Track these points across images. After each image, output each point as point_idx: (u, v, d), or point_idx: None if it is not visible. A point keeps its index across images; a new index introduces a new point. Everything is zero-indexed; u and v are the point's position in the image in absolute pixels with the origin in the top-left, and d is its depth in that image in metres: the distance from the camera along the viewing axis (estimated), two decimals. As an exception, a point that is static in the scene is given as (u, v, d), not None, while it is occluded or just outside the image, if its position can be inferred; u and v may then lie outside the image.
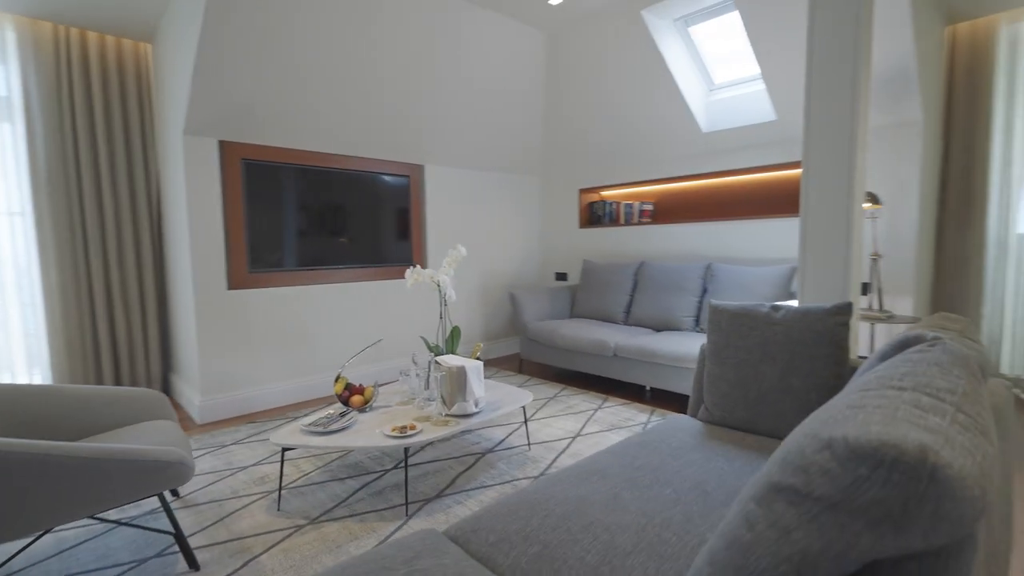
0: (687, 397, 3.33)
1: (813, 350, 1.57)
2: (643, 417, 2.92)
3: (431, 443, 2.55)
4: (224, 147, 3.01)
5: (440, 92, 3.43)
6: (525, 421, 2.43)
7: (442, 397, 2.19)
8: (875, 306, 3.02)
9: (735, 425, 1.71)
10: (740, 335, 1.73)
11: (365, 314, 3.68)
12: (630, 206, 4.36)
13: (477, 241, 4.43)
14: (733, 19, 3.06)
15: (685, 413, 2.98)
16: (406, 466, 1.92)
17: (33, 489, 1.26)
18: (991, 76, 3.16)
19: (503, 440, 2.62)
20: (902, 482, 0.50)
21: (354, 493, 2.08)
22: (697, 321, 3.51)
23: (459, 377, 2.14)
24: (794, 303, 2.52)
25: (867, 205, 2.81)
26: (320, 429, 1.99)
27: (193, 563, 1.59)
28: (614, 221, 4.48)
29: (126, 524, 1.59)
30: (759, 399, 1.65)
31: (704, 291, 3.54)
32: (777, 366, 1.63)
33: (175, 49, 2.87)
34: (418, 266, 2.98)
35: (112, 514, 1.93)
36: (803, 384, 1.57)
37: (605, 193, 4.64)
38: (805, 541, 0.58)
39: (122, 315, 3.36)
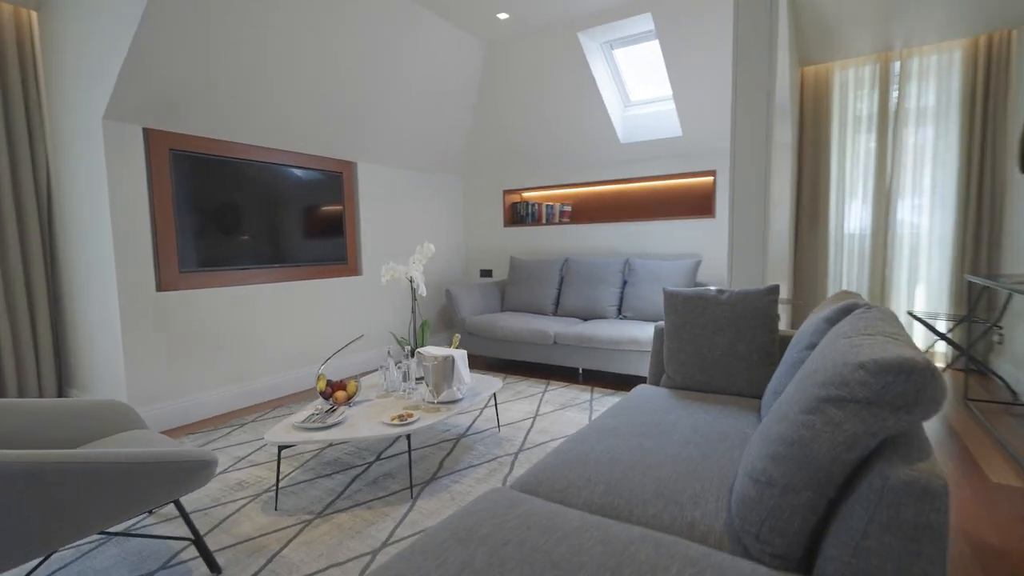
0: (617, 375, 3.77)
1: (753, 322, 2.01)
2: (586, 396, 3.28)
3: (431, 427, 2.63)
4: (150, 136, 2.76)
5: (376, 90, 3.44)
6: (495, 405, 2.62)
7: (429, 385, 2.31)
8: (759, 291, 3.72)
9: (695, 387, 2.10)
10: (694, 314, 2.13)
11: (303, 314, 3.57)
12: (551, 207, 4.73)
13: (407, 240, 4.48)
14: (652, 47, 3.54)
15: (617, 390, 3.41)
16: (409, 452, 2.02)
17: (82, 497, 1.20)
18: (829, 109, 4.05)
19: (471, 425, 2.79)
20: (918, 381, 0.83)
21: (348, 485, 2.12)
22: (619, 310, 3.98)
23: (446, 366, 2.28)
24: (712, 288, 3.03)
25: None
26: (317, 425, 2.00)
27: (214, 566, 1.56)
28: (536, 221, 4.82)
29: (131, 535, 1.51)
30: (713, 364, 2.05)
31: (624, 283, 4.02)
32: (726, 337, 2.04)
33: (86, 24, 2.56)
34: (391, 263, 2.99)
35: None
36: (747, 348, 2.00)
37: (527, 194, 4.96)
38: (852, 429, 0.89)
39: (4, 322, 2.89)
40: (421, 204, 4.64)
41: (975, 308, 3.39)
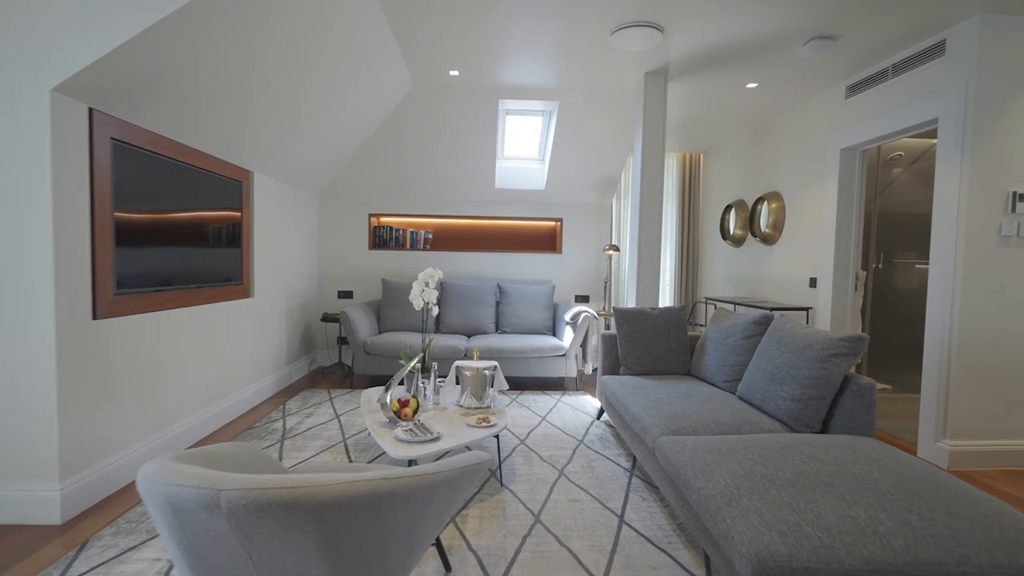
0: (534, 378, 4.52)
1: (674, 327, 3.23)
2: (522, 397, 3.97)
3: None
4: (94, 119, 2.14)
5: (287, 95, 3.23)
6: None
7: (466, 394, 2.69)
8: (613, 304, 5.15)
9: (648, 373, 3.17)
10: (639, 324, 3.22)
11: (214, 341, 3.08)
12: (415, 233, 5.15)
13: (284, 259, 4.17)
14: (534, 120, 4.56)
15: (543, 391, 4.23)
16: (498, 449, 2.42)
17: (435, 509, 1.37)
18: (697, 179, 5.88)
19: (455, 431, 3.15)
20: (863, 344, 2.10)
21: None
22: (497, 326, 4.78)
23: (482, 377, 2.72)
24: (595, 308, 4.22)
25: (613, 252, 4.86)
26: (420, 437, 2.19)
27: (447, 565, 1.73)
28: (400, 246, 5.15)
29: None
30: (657, 356, 3.18)
31: (498, 303, 4.85)
32: (662, 338, 3.21)
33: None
34: (425, 287, 2.95)
35: None
36: (676, 345, 3.20)
37: (385, 219, 5.21)
38: (844, 364, 2.11)
39: None
40: (295, 223, 4.37)
41: (693, 313, 5.65)
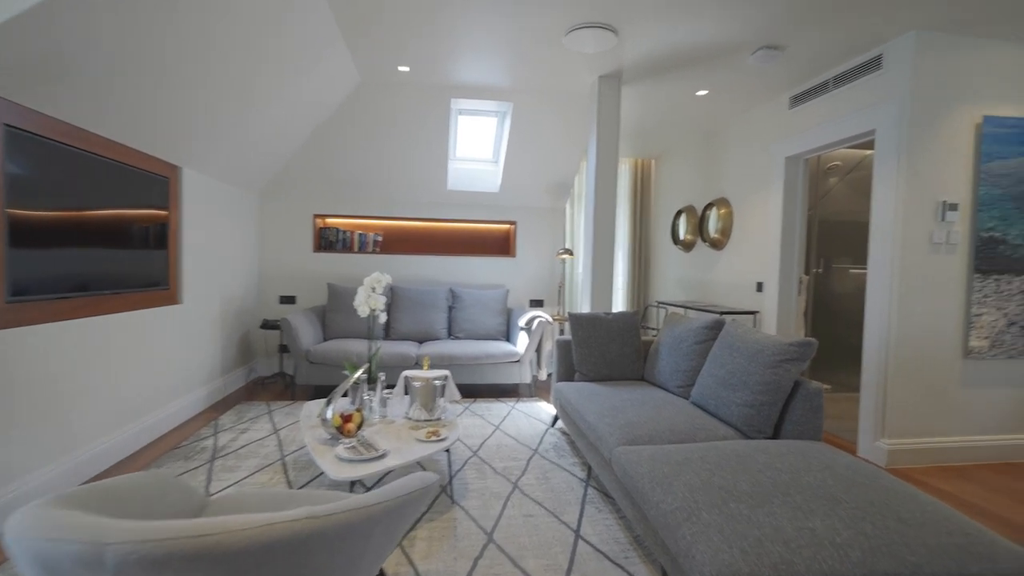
0: (488, 385, 4.39)
1: (628, 332, 3.21)
2: (475, 407, 3.84)
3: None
4: (-19, 105, 1.87)
5: (222, 91, 2.99)
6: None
7: (415, 405, 2.55)
8: (573, 309, 5.10)
9: (603, 378, 3.13)
10: (594, 330, 3.18)
11: (131, 354, 2.79)
12: (364, 235, 4.94)
13: (219, 262, 3.87)
14: (488, 121, 4.46)
15: (496, 398, 4.13)
16: (449, 463, 2.29)
17: (377, 543, 1.24)
18: (649, 184, 5.87)
19: (405, 444, 2.99)
20: (812, 349, 2.13)
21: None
22: (450, 331, 4.64)
23: (431, 388, 2.59)
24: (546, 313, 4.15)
25: (567, 256, 4.82)
26: (364, 455, 2.03)
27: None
28: (348, 248, 4.92)
29: None
30: (612, 361, 3.15)
31: (450, 308, 4.72)
32: (616, 343, 3.18)
33: None
34: (371, 292, 2.74)
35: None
36: (630, 350, 3.18)
37: (332, 220, 4.96)
38: (794, 369, 2.13)
39: None
40: (231, 224, 4.07)
41: (646, 317, 5.71)
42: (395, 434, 2.34)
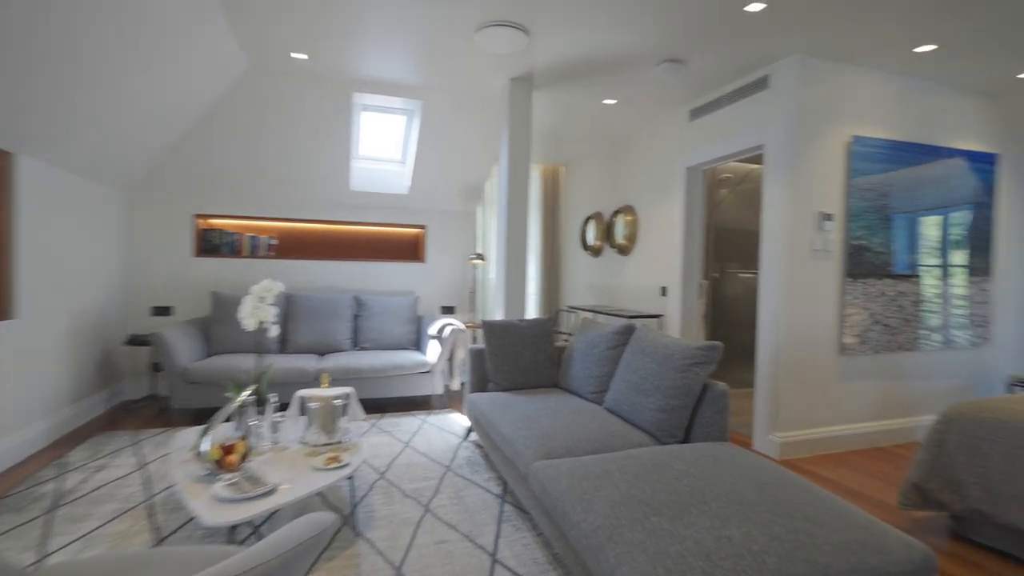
0: (383, 399, 4.09)
1: (542, 339, 3.17)
2: (383, 423, 3.57)
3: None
4: None
5: (72, 65, 2.49)
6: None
7: (314, 428, 2.30)
8: (483, 315, 4.95)
9: (517, 387, 3.04)
10: (508, 338, 3.10)
11: (-60, 385, 2.23)
12: (256, 238, 4.47)
13: (70, 269, 3.27)
14: (395, 119, 4.23)
15: (405, 411, 3.89)
16: (352, 491, 2.06)
17: None
18: (559, 190, 5.77)
19: (302, 470, 2.69)
20: (718, 351, 2.19)
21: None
22: (355, 342, 4.33)
23: (331, 408, 2.34)
24: (453, 319, 4.00)
25: (478, 261, 4.68)
26: (248, 492, 1.76)
27: None
28: (236, 252, 4.42)
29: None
30: (526, 369, 3.07)
31: (356, 317, 4.40)
32: (530, 350, 3.11)
33: None
34: (258, 301, 2.35)
35: None
36: (544, 357, 3.13)
37: (217, 221, 4.44)
38: (702, 372, 2.18)
39: None
40: (86, 223, 3.46)
41: (558, 321, 5.76)
42: (289, 463, 2.06)
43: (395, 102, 3.94)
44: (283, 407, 3.62)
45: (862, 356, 3.23)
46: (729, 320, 4.78)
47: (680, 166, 3.92)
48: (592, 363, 2.80)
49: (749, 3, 2.45)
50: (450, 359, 4.32)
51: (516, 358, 3.07)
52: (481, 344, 3.22)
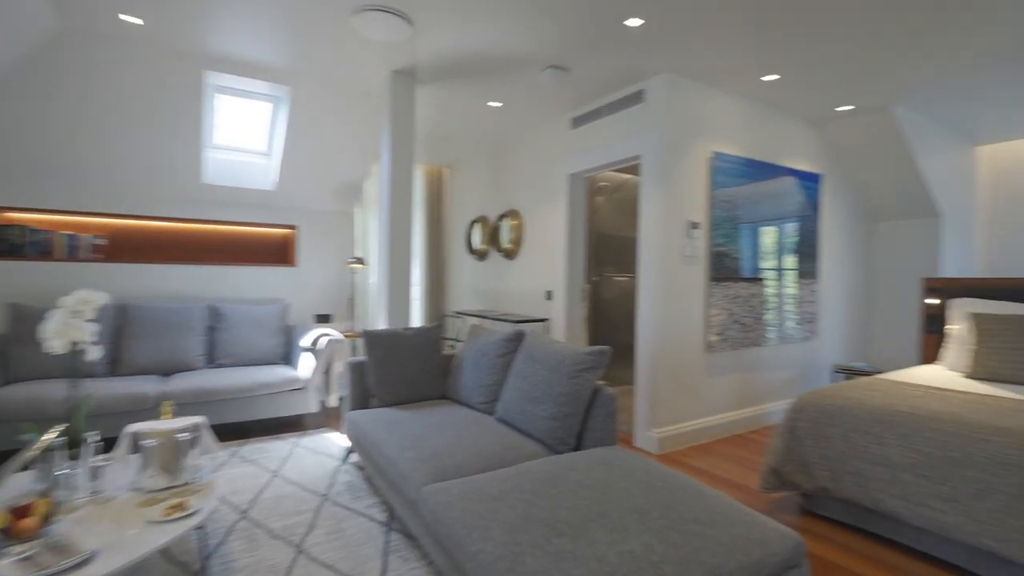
0: (246, 423, 3.56)
1: (429, 348, 3.00)
2: (244, 450, 3.09)
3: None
4: None
5: None
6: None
7: (150, 470, 1.90)
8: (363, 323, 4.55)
9: (402, 402, 2.84)
10: (393, 348, 2.88)
11: None
12: (75, 237, 3.69)
13: None
14: (259, 106, 3.74)
15: (252, 438, 3.45)
16: (199, 543, 1.72)
17: None
18: (444, 192, 5.41)
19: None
20: (606, 356, 2.23)
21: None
22: (210, 358, 3.76)
23: (174, 445, 1.96)
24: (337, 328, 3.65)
25: (358, 265, 4.32)
26: (50, 569, 1.37)
27: None
28: (46, 254, 3.60)
29: None
30: (412, 381, 2.88)
31: (211, 329, 3.83)
32: (417, 361, 2.93)
33: None
34: (67, 319, 1.77)
35: None
36: (431, 367, 2.96)
37: (17, 215, 3.57)
38: (592, 377, 2.19)
39: None
40: None
41: (444, 327, 5.59)
42: (115, 518, 1.65)
43: (258, 86, 3.49)
44: (108, 446, 3.00)
45: (723, 352, 3.55)
46: (608, 321, 5.01)
47: (563, 172, 4.01)
48: (482, 372, 2.70)
49: (629, 18, 2.54)
50: (326, 373, 3.95)
51: (401, 369, 2.87)
52: (362, 356, 2.96)
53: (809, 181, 4.09)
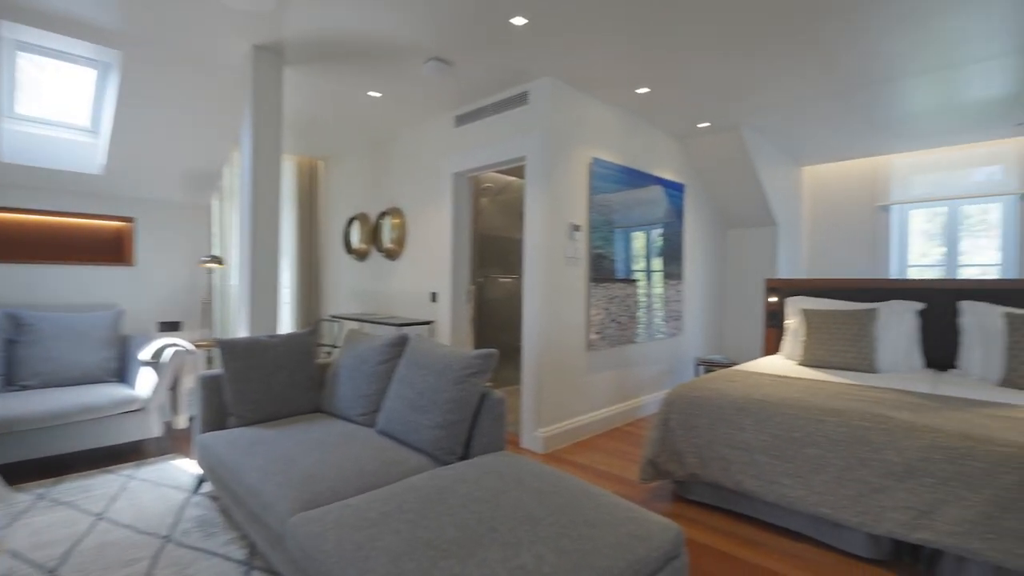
0: (65, 455, 2.87)
1: (300, 357, 2.70)
2: (29, 498, 2.48)
3: None
4: None
5: None
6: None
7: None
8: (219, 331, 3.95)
9: (268, 419, 2.51)
10: (255, 358, 2.55)
11: None
12: None
13: None
14: (82, 72, 3.09)
15: (71, 474, 2.87)
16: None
17: None
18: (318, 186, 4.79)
19: None
20: (493, 359, 2.16)
21: None
22: (7, 380, 3.02)
23: None
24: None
25: (215, 265, 3.76)
26: None
27: None
28: None
29: None
30: (279, 395, 2.57)
31: (9, 343, 3.09)
32: (285, 372, 2.62)
33: None
34: None
35: None
36: (301, 378, 2.67)
37: None
38: (479, 382, 2.11)
39: None
40: None
41: (319, 331, 5.16)
42: None
43: (76, 46, 2.88)
44: None
45: (602, 350, 3.71)
46: (493, 323, 5.01)
47: (447, 171, 3.90)
48: (362, 381, 2.49)
49: (514, 16, 2.51)
50: (173, 390, 3.39)
51: (266, 383, 2.54)
52: (218, 370, 2.57)
53: (674, 190, 4.45)
